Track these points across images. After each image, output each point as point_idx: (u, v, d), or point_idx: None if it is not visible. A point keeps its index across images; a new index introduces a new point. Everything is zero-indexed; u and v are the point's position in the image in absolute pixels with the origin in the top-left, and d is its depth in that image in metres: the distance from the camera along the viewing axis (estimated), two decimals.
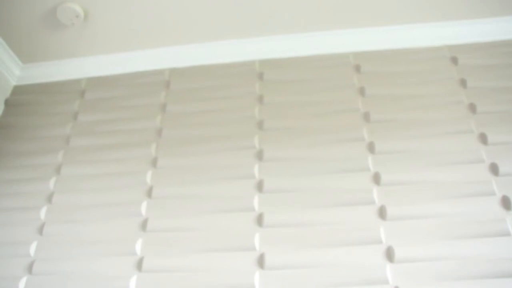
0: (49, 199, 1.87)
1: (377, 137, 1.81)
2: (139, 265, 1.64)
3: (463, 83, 1.91)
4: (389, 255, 1.53)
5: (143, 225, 1.73)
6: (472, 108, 1.83)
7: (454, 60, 1.98)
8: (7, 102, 2.23)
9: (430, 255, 1.50)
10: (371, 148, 1.79)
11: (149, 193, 1.81)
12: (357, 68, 2.03)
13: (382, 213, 1.62)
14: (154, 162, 1.90)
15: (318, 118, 1.91)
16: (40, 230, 1.78)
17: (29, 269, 1.69)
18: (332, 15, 2.05)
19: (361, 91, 1.96)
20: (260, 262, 1.58)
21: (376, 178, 1.71)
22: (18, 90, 2.26)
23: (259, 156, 1.84)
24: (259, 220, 1.68)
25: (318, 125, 1.88)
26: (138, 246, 1.68)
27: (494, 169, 1.66)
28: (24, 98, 2.23)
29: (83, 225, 1.77)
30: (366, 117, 1.88)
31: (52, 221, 1.80)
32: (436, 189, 1.64)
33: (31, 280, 1.66)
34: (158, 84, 2.14)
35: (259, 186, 1.76)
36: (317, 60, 2.08)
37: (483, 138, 1.74)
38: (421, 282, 1.45)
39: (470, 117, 1.81)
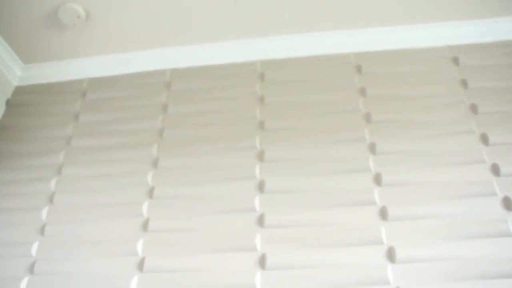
0: (51, 199, 1.87)
1: (378, 138, 1.81)
2: (140, 265, 1.64)
3: (464, 83, 1.91)
4: (390, 255, 1.53)
5: (144, 226, 1.73)
6: (473, 108, 1.83)
7: (455, 61, 1.98)
8: (8, 103, 2.23)
9: (431, 256, 1.50)
10: (372, 148, 1.79)
11: (150, 193, 1.82)
12: (358, 69, 2.03)
13: (383, 213, 1.62)
14: (155, 163, 1.90)
15: (319, 119, 1.91)
16: (42, 231, 1.78)
17: (31, 269, 1.69)
18: (333, 16, 2.05)
19: (362, 92, 1.96)
20: (261, 262, 1.58)
21: (377, 179, 1.71)
22: (19, 91, 2.27)
23: (260, 156, 1.84)
24: (260, 220, 1.68)
25: (319, 126, 1.89)
26: (139, 247, 1.68)
27: (495, 169, 1.66)
28: (25, 99, 2.23)
29: (84, 225, 1.77)
30: (367, 117, 1.88)
31: (53, 221, 1.80)
32: (437, 190, 1.64)
33: (32, 280, 1.66)
34: (160, 85, 2.14)
35: (260, 187, 1.76)
36: (318, 61, 2.08)
37: (484, 139, 1.74)
38: (422, 283, 1.45)
39: (471, 118, 1.81)
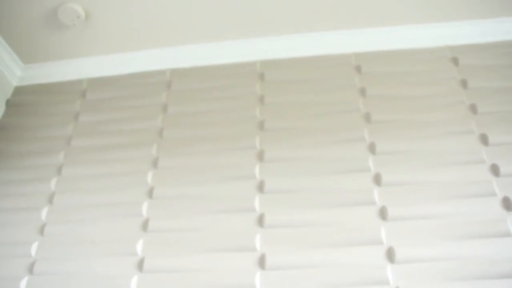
0: (50, 199, 1.87)
1: (378, 138, 1.81)
2: (140, 265, 1.64)
3: (464, 83, 1.91)
4: (390, 255, 1.53)
5: (144, 226, 1.73)
6: (473, 108, 1.83)
7: (455, 61, 1.98)
8: (8, 103, 2.23)
9: (430, 256, 1.50)
10: (372, 148, 1.79)
11: (150, 193, 1.82)
12: (358, 69, 2.03)
13: (383, 213, 1.62)
14: (155, 163, 1.90)
15: (319, 119, 1.91)
16: (41, 231, 1.78)
17: (30, 269, 1.69)
18: (333, 16, 2.05)
19: (362, 92, 1.96)
20: (261, 262, 1.58)
21: (377, 179, 1.71)
22: (19, 91, 2.27)
23: (260, 156, 1.84)
24: (260, 220, 1.68)
25: (319, 126, 1.89)
26: (139, 246, 1.68)
27: (495, 169, 1.66)
28: (25, 99, 2.23)
29: (84, 225, 1.77)
30: (367, 117, 1.88)
31: (53, 221, 1.80)
32: (437, 190, 1.64)
33: (32, 280, 1.66)
34: (160, 85, 2.14)
35: (260, 187, 1.76)
36: (318, 61, 2.08)
37: (484, 139, 1.74)
38: (421, 283, 1.45)
39: (471, 118, 1.81)
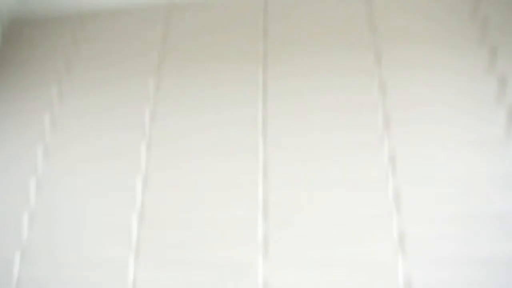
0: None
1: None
2: (141, 216, 1.68)
3: None
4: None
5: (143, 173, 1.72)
6: None
7: None
8: (4, 35, 2.13)
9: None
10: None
11: (150, 126, 1.81)
12: None
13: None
14: (155, 95, 1.85)
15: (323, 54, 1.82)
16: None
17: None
18: None
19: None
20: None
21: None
22: (15, 23, 2.15)
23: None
24: (265, 165, 1.68)
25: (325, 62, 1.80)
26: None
27: None
28: (21, 32, 2.12)
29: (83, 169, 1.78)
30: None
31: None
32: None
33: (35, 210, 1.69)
34: (158, 19, 2.02)
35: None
36: None
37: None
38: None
39: None
